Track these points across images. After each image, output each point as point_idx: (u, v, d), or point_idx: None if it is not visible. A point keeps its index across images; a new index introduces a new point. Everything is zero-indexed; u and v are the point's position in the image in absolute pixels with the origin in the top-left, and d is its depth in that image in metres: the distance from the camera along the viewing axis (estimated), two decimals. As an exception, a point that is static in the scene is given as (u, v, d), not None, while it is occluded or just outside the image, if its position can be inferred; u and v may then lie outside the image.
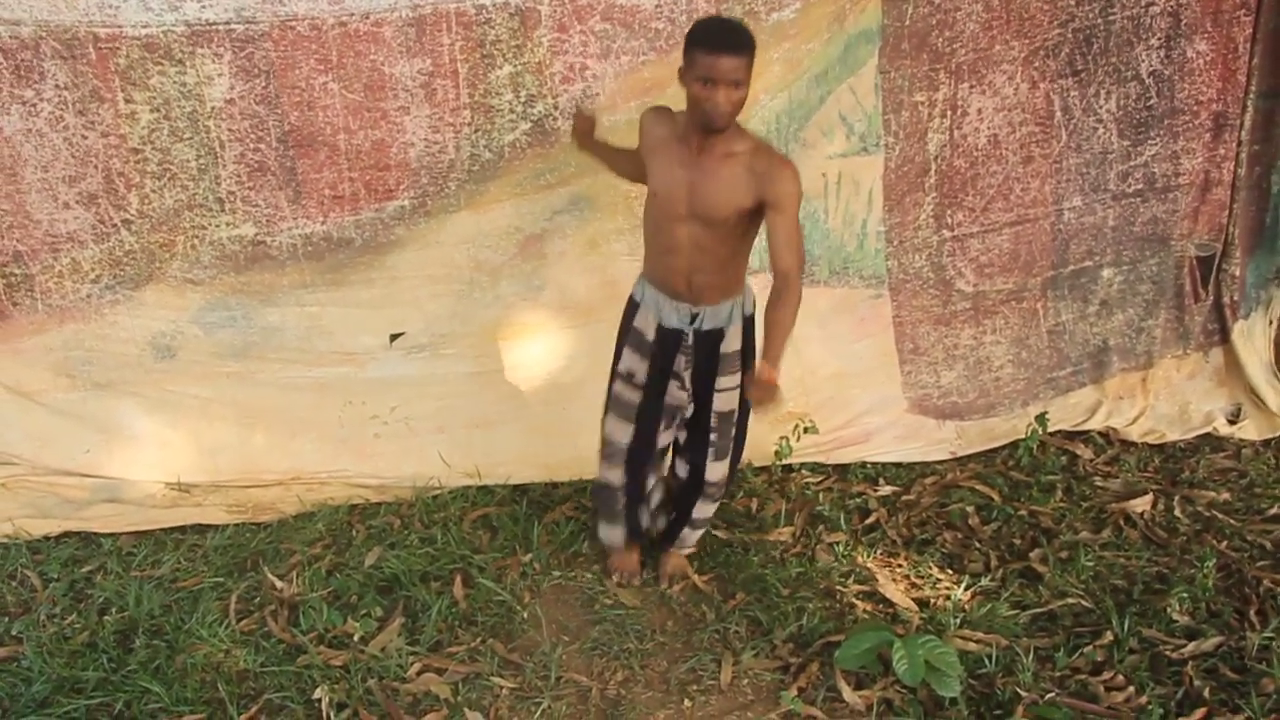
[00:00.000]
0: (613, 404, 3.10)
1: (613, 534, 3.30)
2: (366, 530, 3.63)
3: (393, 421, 3.86)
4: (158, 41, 3.26)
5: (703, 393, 3.01)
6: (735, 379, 2.98)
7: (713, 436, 3.06)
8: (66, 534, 3.60)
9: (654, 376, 3.01)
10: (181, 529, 3.62)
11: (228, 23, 3.28)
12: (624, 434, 3.09)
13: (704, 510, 3.24)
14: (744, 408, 3.04)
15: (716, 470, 3.12)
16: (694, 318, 2.90)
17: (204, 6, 3.24)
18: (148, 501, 3.71)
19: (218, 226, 3.55)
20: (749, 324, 2.97)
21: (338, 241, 3.62)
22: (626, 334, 3.05)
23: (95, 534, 3.59)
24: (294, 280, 3.67)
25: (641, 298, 3.00)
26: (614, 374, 3.09)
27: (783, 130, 3.77)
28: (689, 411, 3.07)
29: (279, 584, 3.32)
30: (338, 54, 3.37)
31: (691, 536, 3.34)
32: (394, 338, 3.79)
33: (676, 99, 3.54)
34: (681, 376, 2.99)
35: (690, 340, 2.93)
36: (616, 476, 3.15)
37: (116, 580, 3.37)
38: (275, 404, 3.80)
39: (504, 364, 3.87)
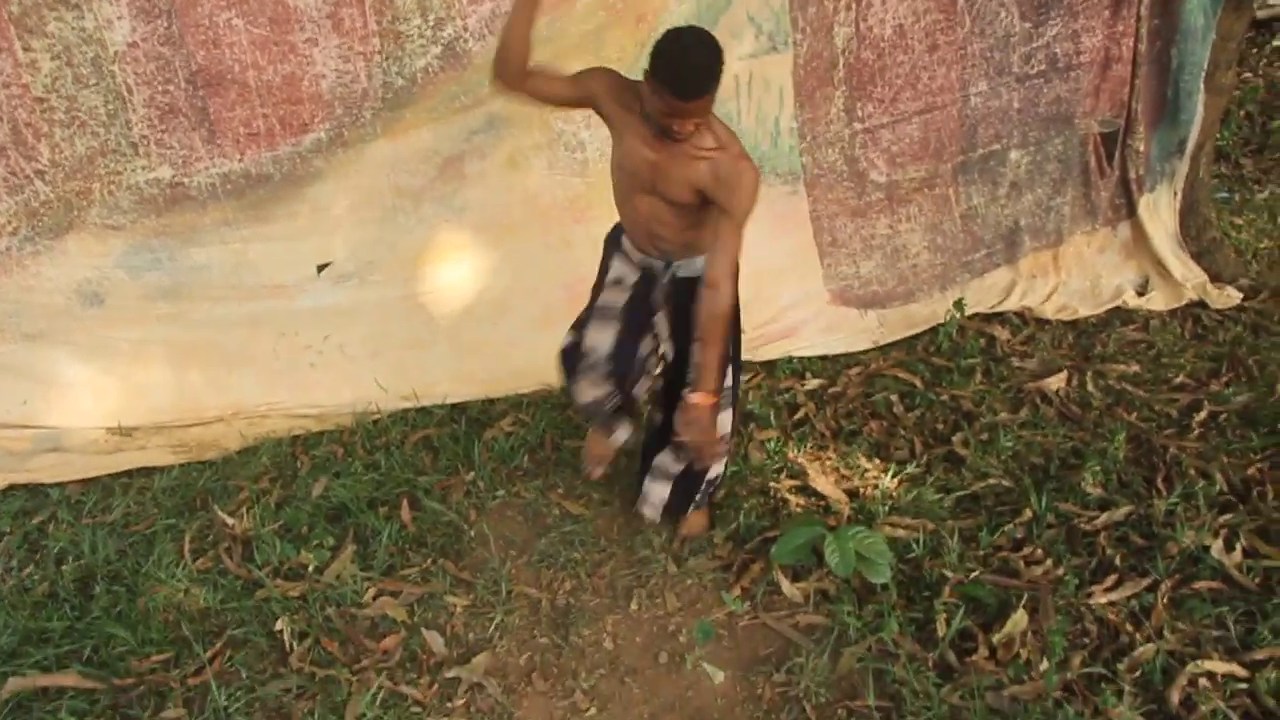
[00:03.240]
0: (596, 313, 2.99)
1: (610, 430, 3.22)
2: (311, 460, 3.71)
3: (327, 350, 3.91)
4: (51, -14, 3.20)
5: (681, 342, 2.90)
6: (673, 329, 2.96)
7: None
8: (12, 486, 3.64)
9: (639, 288, 2.94)
10: (128, 473, 3.68)
11: (122, -38, 3.22)
12: (606, 337, 2.97)
13: (667, 459, 3.13)
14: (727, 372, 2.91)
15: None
16: (667, 265, 2.85)
17: (96, -52, 3.17)
18: (90, 448, 3.75)
19: (133, 171, 3.52)
20: None
21: (256, 178, 3.61)
22: (614, 249, 2.97)
23: (42, 484, 3.64)
24: (216, 219, 3.66)
25: (622, 235, 2.95)
26: (599, 285, 3.02)
27: (693, 35, 3.78)
28: (669, 353, 3.00)
29: (230, 521, 3.39)
30: (239, -12, 3.33)
31: (657, 491, 3.20)
32: (321, 268, 3.81)
33: (586, 11, 3.58)
34: (659, 310, 2.93)
35: (667, 280, 2.87)
36: (601, 389, 3.04)
37: (69, 529, 3.43)
38: (209, 341, 3.83)
39: (432, 286, 3.91)
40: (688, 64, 2.40)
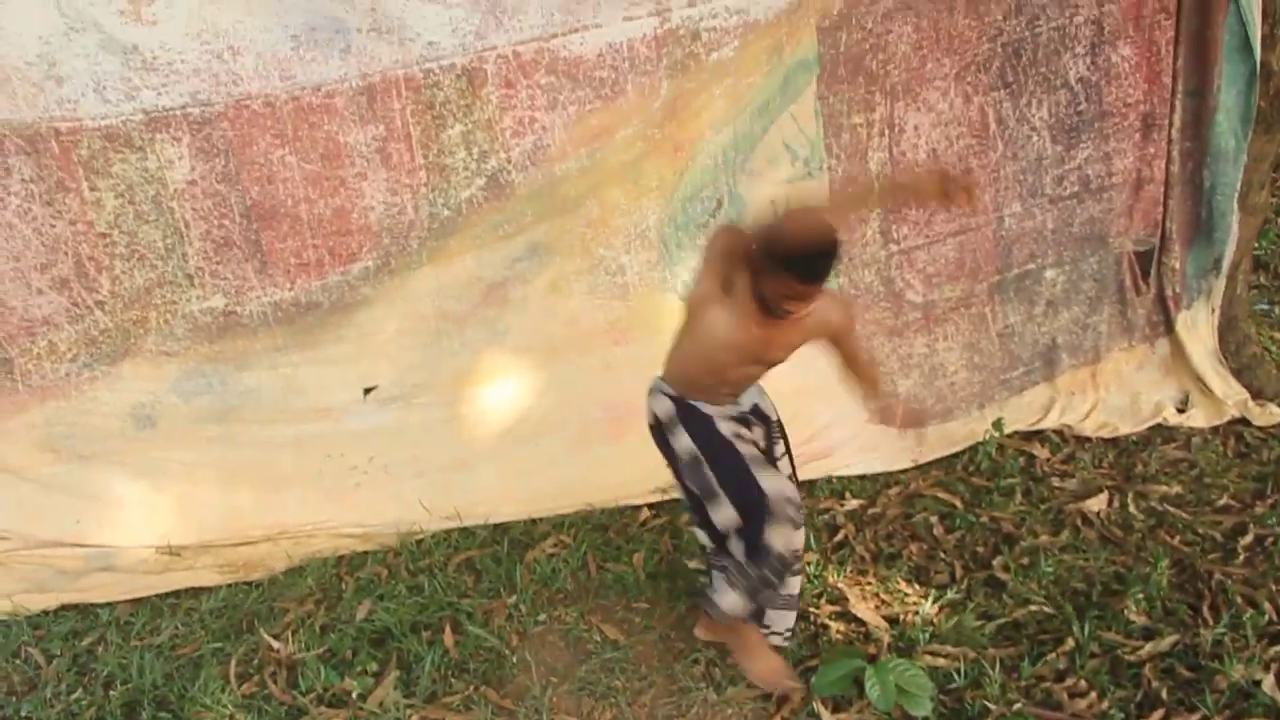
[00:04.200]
0: (754, 464, 2.81)
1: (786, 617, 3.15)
2: (355, 582, 3.76)
3: (372, 471, 3.98)
4: (117, 131, 3.35)
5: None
6: (782, 446, 3.12)
7: None
8: (64, 607, 3.71)
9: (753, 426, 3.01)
10: (176, 593, 3.74)
11: (184, 107, 3.38)
12: (783, 478, 2.89)
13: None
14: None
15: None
16: (737, 403, 2.98)
17: (159, 94, 3.33)
18: (140, 567, 3.82)
19: (188, 301, 3.64)
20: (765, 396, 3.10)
21: (306, 305, 3.73)
22: (698, 419, 2.88)
23: (93, 604, 3.71)
24: (267, 345, 3.77)
25: (683, 400, 2.92)
26: (724, 450, 2.84)
27: (729, 162, 3.90)
28: None
29: (275, 645, 3.44)
30: (293, 128, 3.47)
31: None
32: (368, 391, 3.90)
33: (624, 142, 3.69)
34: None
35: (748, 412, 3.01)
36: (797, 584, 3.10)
37: (118, 651, 3.49)
38: (257, 462, 3.91)
39: (475, 407, 3.99)
40: (820, 250, 2.45)
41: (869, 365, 3.11)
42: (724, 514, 2.81)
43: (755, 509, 2.74)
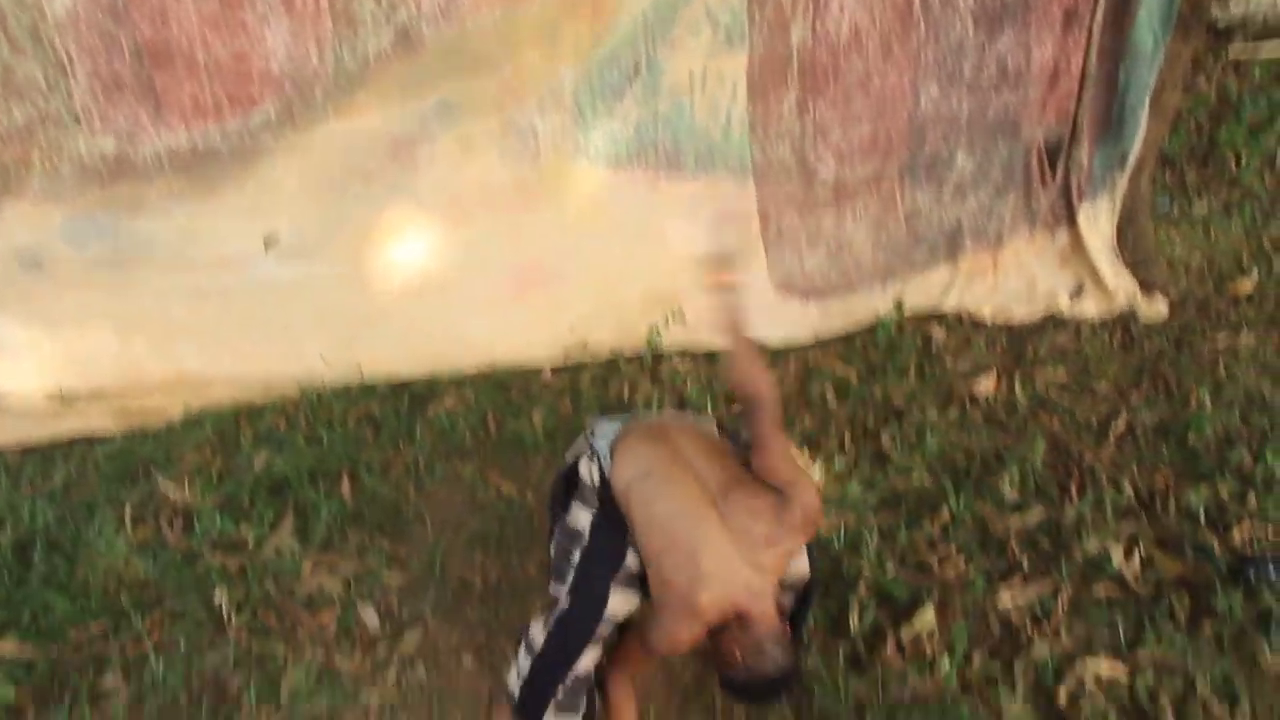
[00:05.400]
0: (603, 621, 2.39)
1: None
2: (254, 432, 3.77)
3: (273, 323, 3.94)
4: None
5: None
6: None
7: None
8: (-48, 450, 3.67)
9: None
10: (69, 441, 3.71)
11: (64, -67, 3.22)
12: (594, 662, 2.44)
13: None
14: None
15: None
16: None
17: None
18: (30, 413, 3.77)
19: (75, 142, 3.52)
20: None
21: (204, 152, 3.63)
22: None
23: (-18, 448, 3.67)
24: (161, 191, 3.68)
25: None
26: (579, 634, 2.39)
27: (649, 27, 3.84)
28: None
29: (171, 491, 3.45)
30: (190, -35, 3.35)
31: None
32: (268, 243, 3.84)
33: (543, 5, 3.62)
34: None
35: None
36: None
37: (8, 495, 3.47)
38: (153, 311, 3.85)
39: (379, 265, 3.96)
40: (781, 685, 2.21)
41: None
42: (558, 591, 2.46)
43: (559, 654, 2.39)
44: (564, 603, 2.39)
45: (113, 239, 3.72)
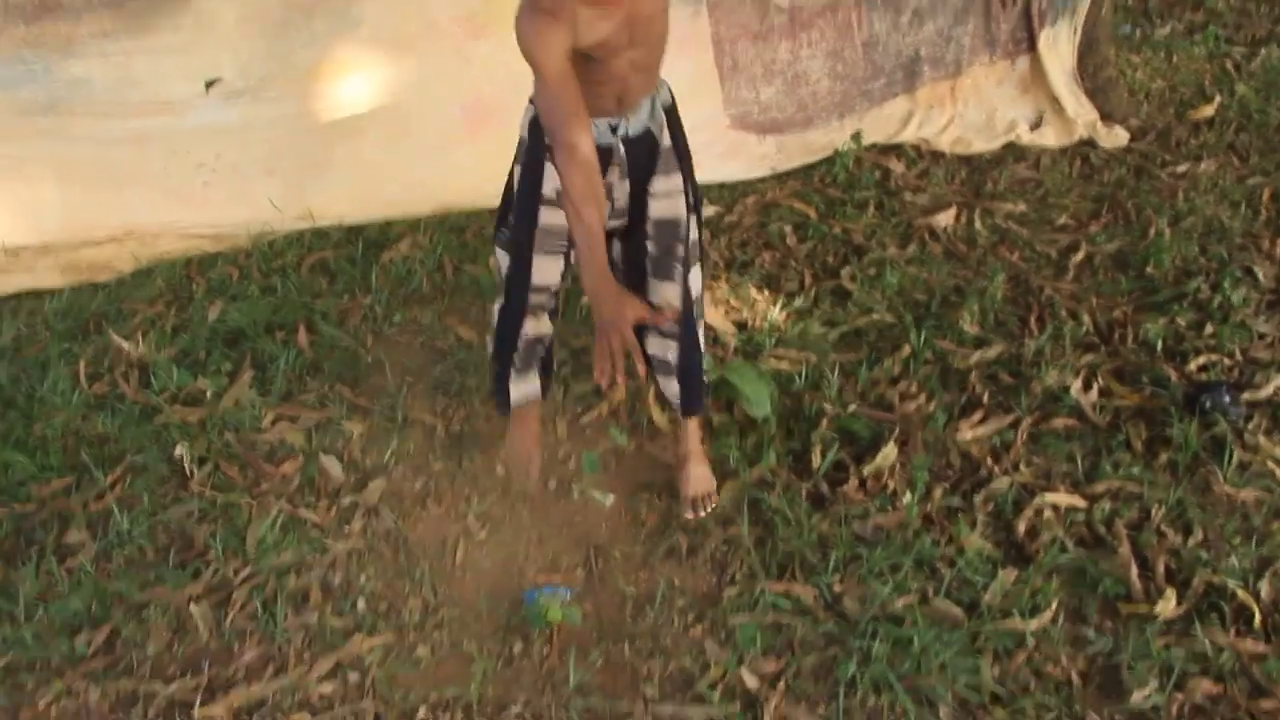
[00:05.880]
0: (541, 236, 2.55)
1: (528, 386, 2.84)
2: (206, 283, 3.70)
3: (220, 169, 3.83)
4: None
5: (636, 208, 2.56)
6: (673, 180, 2.55)
7: (650, 248, 2.57)
8: (-107, 308, 3.58)
9: None
10: (16, 296, 3.63)
11: None
12: (556, 270, 2.63)
13: (659, 347, 2.72)
14: (689, 225, 2.61)
15: (663, 290, 2.59)
16: (614, 129, 2.43)
17: None
18: (-24, 269, 3.69)
19: (-3, -25, 3.35)
20: (672, 114, 2.56)
21: (136, -13, 3.47)
22: (539, 162, 2.49)
23: (-75, 306, 3.59)
24: (93, 30, 3.52)
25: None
26: (535, 200, 2.53)
27: None
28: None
29: (125, 345, 3.40)
30: None
31: (668, 387, 2.78)
32: (210, 84, 3.70)
33: None
34: (612, 198, 2.47)
35: (621, 151, 2.46)
36: (545, 325, 2.74)
37: (-42, 352, 3.41)
38: (94, 159, 3.72)
39: (327, 104, 3.83)
40: None
41: None
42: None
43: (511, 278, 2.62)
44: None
45: (45, 82, 3.57)
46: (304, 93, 3.80)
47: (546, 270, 2.60)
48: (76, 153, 3.69)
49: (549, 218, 2.51)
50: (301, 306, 3.56)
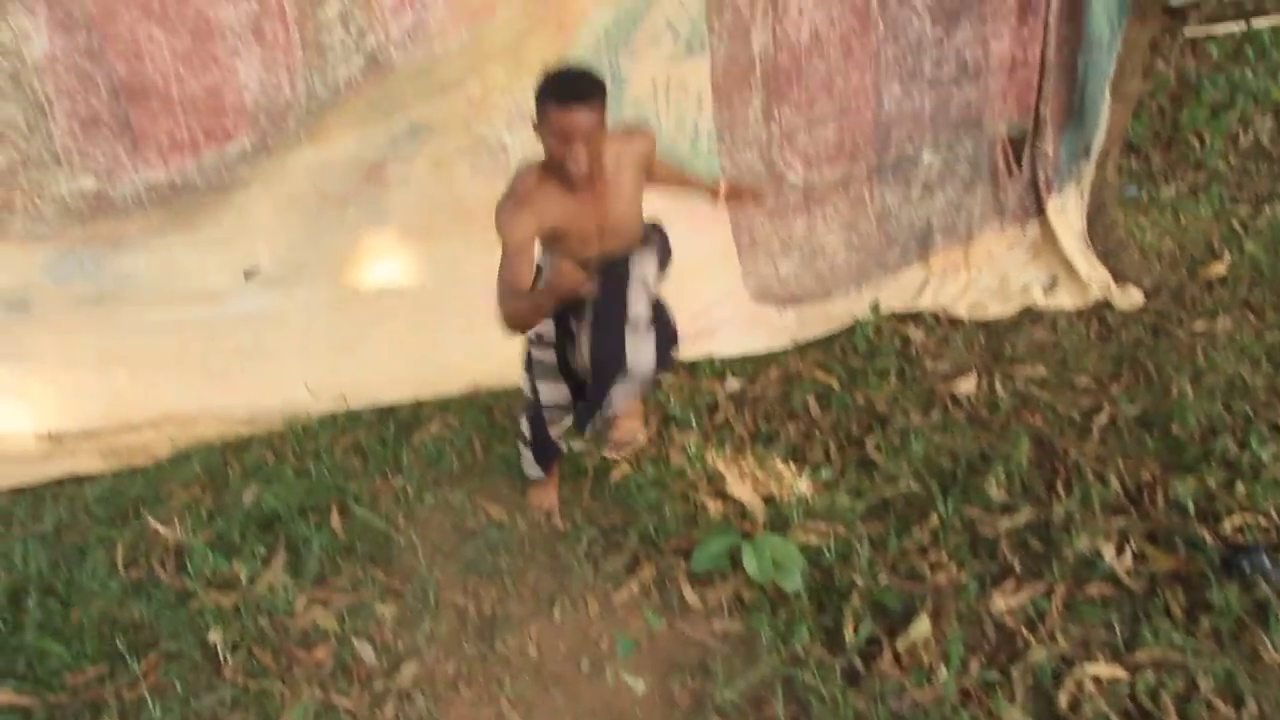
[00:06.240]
0: (537, 368, 3.20)
1: (554, 459, 3.46)
2: (241, 466, 3.77)
3: (256, 354, 3.95)
4: (-33, 4, 3.18)
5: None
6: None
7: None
8: (-60, 496, 3.66)
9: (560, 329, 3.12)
10: (59, 482, 3.71)
11: (37, -23, 3.21)
12: (562, 392, 3.22)
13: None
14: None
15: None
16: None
17: (10, -36, 3.16)
18: (20, 455, 3.77)
19: (56, 181, 3.51)
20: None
21: (181, 186, 3.62)
22: None
23: (-29, 494, 3.67)
24: (141, 226, 3.67)
25: None
26: (528, 340, 3.19)
27: (612, 40, 3.84)
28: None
29: (162, 530, 3.45)
30: (159, 2, 3.33)
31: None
32: (249, 274, 3.84)
33: (506, 20, 3.63)
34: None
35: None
36: (567, 423, 3.29)
37: (0, 541, 3.46)
38: (137, 347, 3.84)
39: (359, 289, 3.96)
40: (568, 72, 2.65)
41: (692, 176, 3.46)
42: None
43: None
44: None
45: (95, 276, 3.72)
46: (337, 279, 3.94)
47: (552, 393, 3.20)
48: (121, 341, 3.82)
49: (539, 354, 3.15)
50: (334, 488, 3.62)
